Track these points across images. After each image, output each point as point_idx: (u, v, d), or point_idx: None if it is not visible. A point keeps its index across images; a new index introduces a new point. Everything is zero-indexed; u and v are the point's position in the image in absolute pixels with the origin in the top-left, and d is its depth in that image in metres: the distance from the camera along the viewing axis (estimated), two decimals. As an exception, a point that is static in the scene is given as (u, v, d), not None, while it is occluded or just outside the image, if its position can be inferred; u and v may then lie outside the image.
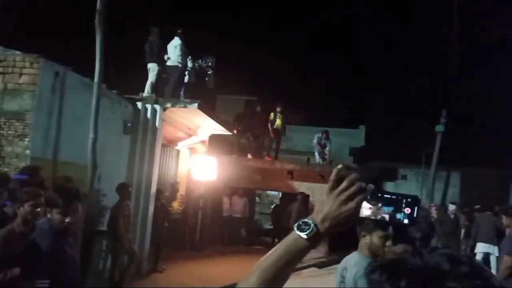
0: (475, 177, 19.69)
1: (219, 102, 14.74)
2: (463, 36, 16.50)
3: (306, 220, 0.92)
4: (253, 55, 19.55)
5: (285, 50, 28.30)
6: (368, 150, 18.14)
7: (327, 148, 12.68)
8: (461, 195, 18.91)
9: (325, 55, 30.36)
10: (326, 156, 12.66)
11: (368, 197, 0.93)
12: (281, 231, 9.92)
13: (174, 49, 8.89)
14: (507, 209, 5.99)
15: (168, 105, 8.29)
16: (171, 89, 8.86)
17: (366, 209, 0.95)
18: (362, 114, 20.63)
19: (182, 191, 10.13)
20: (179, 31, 9.07)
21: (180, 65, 8.85)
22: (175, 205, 9.89)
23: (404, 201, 0.97)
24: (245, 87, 16.51)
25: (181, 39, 8.99)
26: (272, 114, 12.22)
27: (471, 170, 20.28)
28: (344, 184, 0.91)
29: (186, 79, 9.26)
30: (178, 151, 10.29)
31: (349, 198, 0.90)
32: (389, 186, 18.95)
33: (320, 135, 12.64)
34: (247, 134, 12.07)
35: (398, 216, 0.96)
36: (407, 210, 0.96)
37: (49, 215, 2.75)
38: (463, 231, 9.88)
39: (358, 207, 0.92)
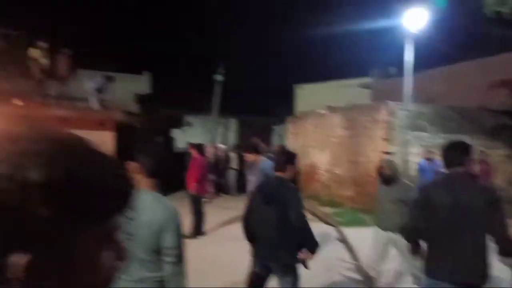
0: (249, 123, 22.19)
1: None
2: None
3: None
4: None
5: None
6: (155, 97, 17.83)
7: (104, 94, 11.80)
8: (238, 139, 21.08)
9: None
10: (104, 102, 11.76)
11: None
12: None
13: None
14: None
15: None
16: None
17: None
18: (146, 61, 19.98)
19: None
20: None
21: None
22: None
23: None
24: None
25: None
26: (35, 50, 10.30)
27: (246, 117, 22.80)
28: None
29: None
30: None
31: None
32: (177, 133, 19.40)
33: (99, 79, 11.62)
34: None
35: None
36: None
37: None
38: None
39: None
